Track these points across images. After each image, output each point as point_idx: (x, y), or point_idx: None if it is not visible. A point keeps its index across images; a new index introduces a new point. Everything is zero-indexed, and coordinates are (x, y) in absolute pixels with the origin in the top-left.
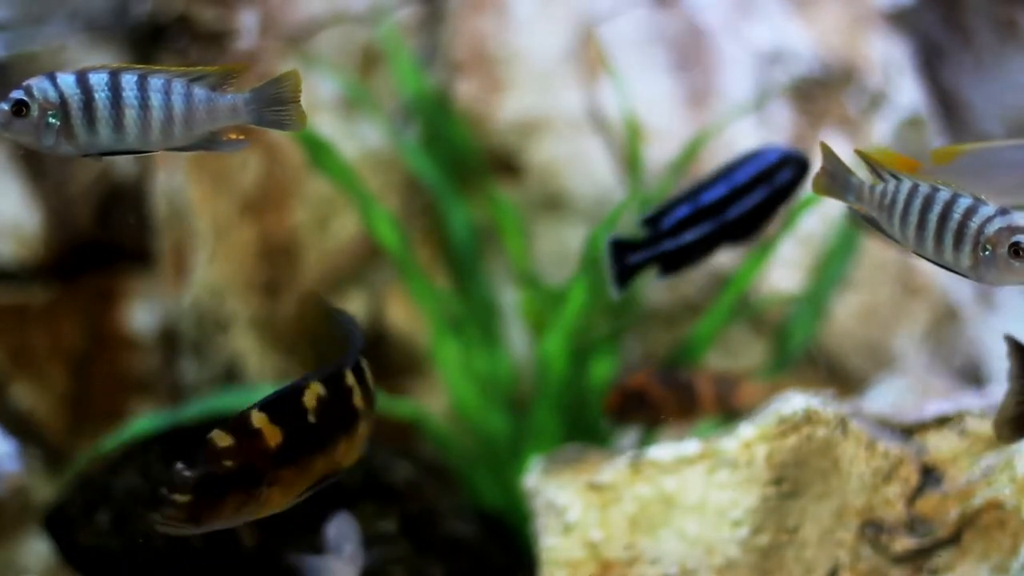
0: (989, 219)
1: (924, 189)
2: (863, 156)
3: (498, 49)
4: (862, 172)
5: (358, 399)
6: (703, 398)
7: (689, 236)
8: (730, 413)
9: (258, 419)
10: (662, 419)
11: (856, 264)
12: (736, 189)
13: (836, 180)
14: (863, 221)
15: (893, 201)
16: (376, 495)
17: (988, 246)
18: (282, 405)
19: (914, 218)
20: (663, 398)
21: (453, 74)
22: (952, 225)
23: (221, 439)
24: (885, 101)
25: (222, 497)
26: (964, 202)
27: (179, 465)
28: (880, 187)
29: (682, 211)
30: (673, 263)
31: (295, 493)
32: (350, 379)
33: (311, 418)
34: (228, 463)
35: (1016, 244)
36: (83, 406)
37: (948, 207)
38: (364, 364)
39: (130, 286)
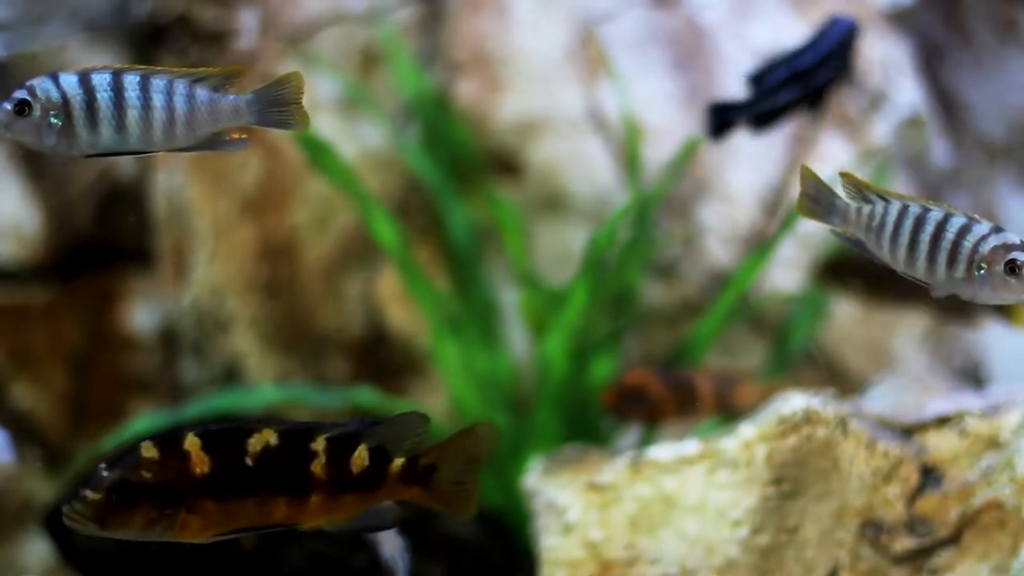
0: (984, 237)
1: (915, 209)
2: (848, 179)
3: (498, 49)
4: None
5: (319, 468)
6: (702, 396)
7: (783, 98)
8: (729, 412)
9: (191, 442)
10: (661, 416)
11: None
12: (822, 57)
13: (819, 203)
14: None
15: (882, 223)
16: None
17: (983, 264)
18: (221, 438)
19: (905, 239)
20: (662, 395)
21: (453, 74)
22: (946, 244)
23: (147, 450)
24: (885, 101)
25: (132, 506)
26: (957, 221)
27: (102, 464)
28: (868, 209)
29: (779, 73)
30: (765, 121)
31: (219, 529)
32: (319, 446)
33: (248, 461)
34: (146, 474)
35: (1012, 261)
36: (83, 406)
37: (941, 227)
38: (364, 450)
39: (130, 286)
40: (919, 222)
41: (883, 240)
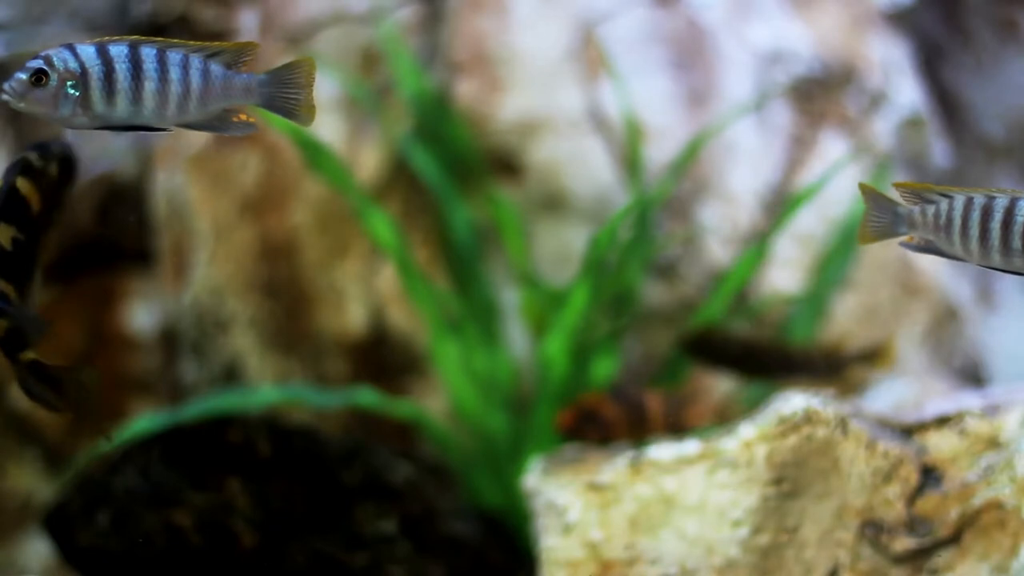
0: None
1: (980, 200)
2: (902, 188)
3: (498, 49)
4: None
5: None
6: (653, 417)
7: None
8: (680, 431)
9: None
10: (613, 437)
11: (856, 264)
12: None
13: (883, 219)
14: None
15: (949, 219)
16: (376, 495)
17: None
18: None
19: (975, 231)
20: (615, 416)
21: (453, 74)
22: (1018, 228)
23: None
24: (885, 101)
25: None
26: None
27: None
28: (932, 209)
29: None
30: None
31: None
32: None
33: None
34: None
35: None
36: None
37: (1010, 212)
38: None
39: (130, 286)
40: (987, 211)
41: (953, 236)
